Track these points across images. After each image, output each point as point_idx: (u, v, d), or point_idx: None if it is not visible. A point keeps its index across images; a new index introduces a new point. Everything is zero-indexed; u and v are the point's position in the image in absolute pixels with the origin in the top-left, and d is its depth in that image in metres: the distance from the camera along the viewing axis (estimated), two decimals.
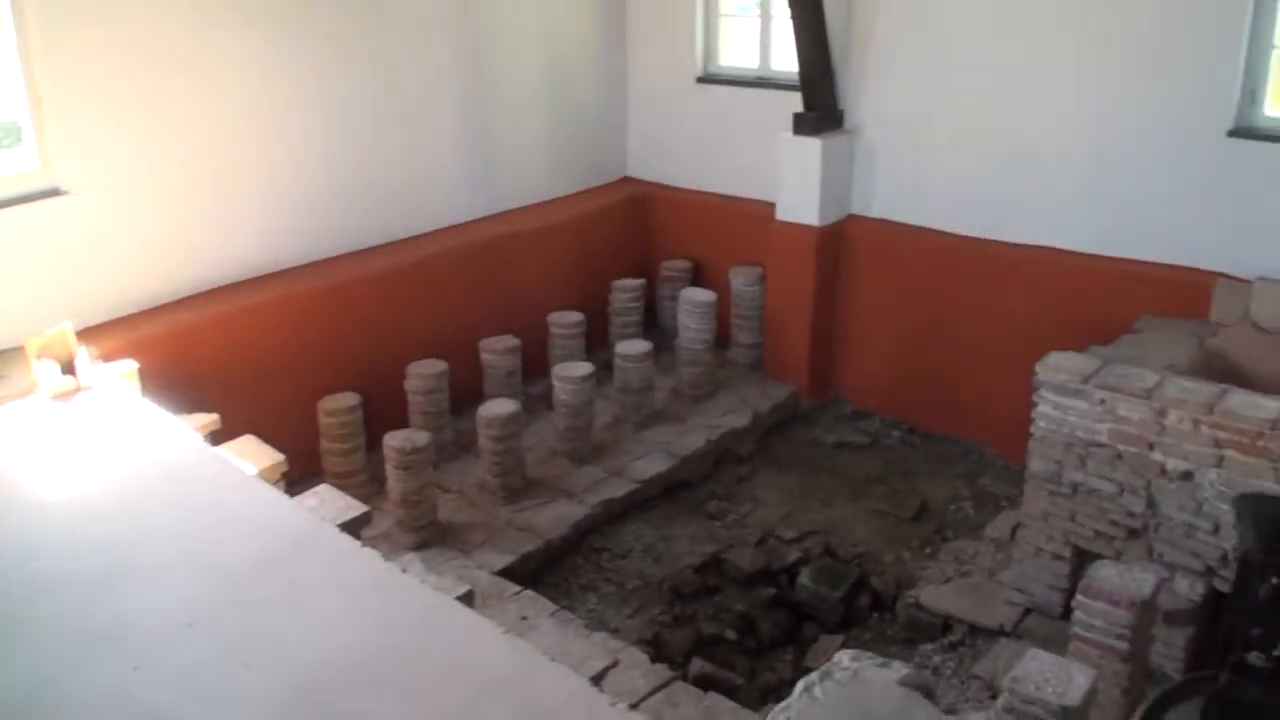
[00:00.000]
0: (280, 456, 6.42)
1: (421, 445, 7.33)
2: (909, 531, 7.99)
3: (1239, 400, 5.75)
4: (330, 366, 8.02)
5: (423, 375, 8.23)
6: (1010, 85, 8.47)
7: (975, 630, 6.72)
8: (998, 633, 6.60)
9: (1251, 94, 7.68)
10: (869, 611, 7.33)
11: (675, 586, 7.41)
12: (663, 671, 6.13)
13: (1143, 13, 7.81)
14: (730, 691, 6.31)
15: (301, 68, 8.06)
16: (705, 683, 6.34)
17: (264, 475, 6.05)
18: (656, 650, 6.77)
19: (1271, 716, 2.64)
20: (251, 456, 6.28)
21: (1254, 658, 2.66)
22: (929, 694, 3.70)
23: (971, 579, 7.07)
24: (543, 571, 7.42)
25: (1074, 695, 4.36)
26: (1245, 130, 7.67)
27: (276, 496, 5.48)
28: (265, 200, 7.99)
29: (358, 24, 8.38)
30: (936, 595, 6.95)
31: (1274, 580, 2.57)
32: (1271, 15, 7.51)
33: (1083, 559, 6.32)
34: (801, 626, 7.29)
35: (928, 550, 7.74)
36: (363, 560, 4.75)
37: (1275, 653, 2.63)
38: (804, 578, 7.48)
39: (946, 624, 6.85)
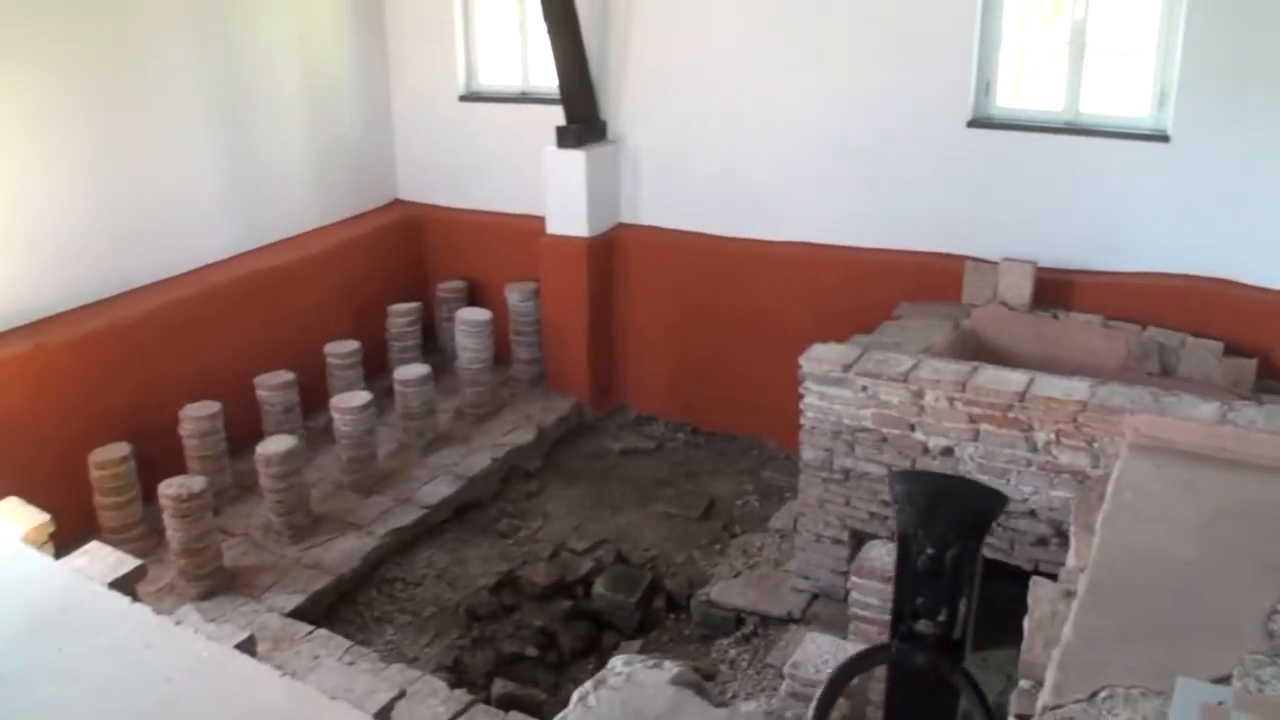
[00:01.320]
0: (46, 517, 6.10)
1: (198, 491, 7.11)
2: (698, 531, 8.15)
3: (988, 376, 6.07)
4: (97, 418, 7.67)
5: (196, 418, 7.96)
6: (761, 89, 8.75)
7: (766, 620, 6.90)
8: (787, 620, 6.79)
9: (986, 86, 8.14)
10: (665, 613, 7.46)
11: (471, 609, 7.38)
12: (462, 696, 6.09)
13: (883, 14, 8.19)
14: (534, 708, 6.32)
15: (39, 101, 7.64)
16: (508, 703, 6.33)
17: (29, 538, 5.76)
18: (457, 675, 6.73)
19: (939, 679, 2.83)
20: (14, 519, 5.98)
21: (921, 625, 2.85)
22: (700, 690, 3.79)
23: (759, 571, 7.25)
24: (336, 608, 7.28)
25: None
26: (982, 120, 8.15)
27: (40, 559, 5.22)
28: (8, 248, 7.59)
29: (99, 53, 8.00)
30: (727, 591, 7.10)
31: (929, 552, 2.75)
32: (999, 10, 7.99)
33: (861, 541, 6.54)
34: (601, 636, 7.37)
35: (717, 547, 7.91)
36: (134, 617, 4.57)
37: (939, 619, 2.82)
38: (599, 587, 7.57)
39: (739, 618, 7.01)
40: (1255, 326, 7.34)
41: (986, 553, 6.08)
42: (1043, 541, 6.04)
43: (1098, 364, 7.09)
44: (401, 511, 8.06)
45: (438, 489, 8.33)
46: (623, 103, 9.44)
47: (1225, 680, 3.83)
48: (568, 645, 7.23)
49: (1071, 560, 5.13)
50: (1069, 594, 4.50)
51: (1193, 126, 7.48)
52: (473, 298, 10.27)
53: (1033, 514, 6.04)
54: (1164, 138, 7.60)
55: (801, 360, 6.46)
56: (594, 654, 7.20)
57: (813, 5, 8.44)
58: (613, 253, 9.56)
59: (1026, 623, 4.77)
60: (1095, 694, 3.70)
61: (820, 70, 8.50)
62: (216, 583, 7.21)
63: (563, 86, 9.14)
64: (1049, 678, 3.90)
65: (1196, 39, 7.37)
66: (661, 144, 9.34)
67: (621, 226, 9.62)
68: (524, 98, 10.08)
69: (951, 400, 6.03)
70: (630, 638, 7.28)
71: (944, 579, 2.79)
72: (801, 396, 6.53)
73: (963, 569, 2.79)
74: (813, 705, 3.11)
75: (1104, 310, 7.57)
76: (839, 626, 5.90)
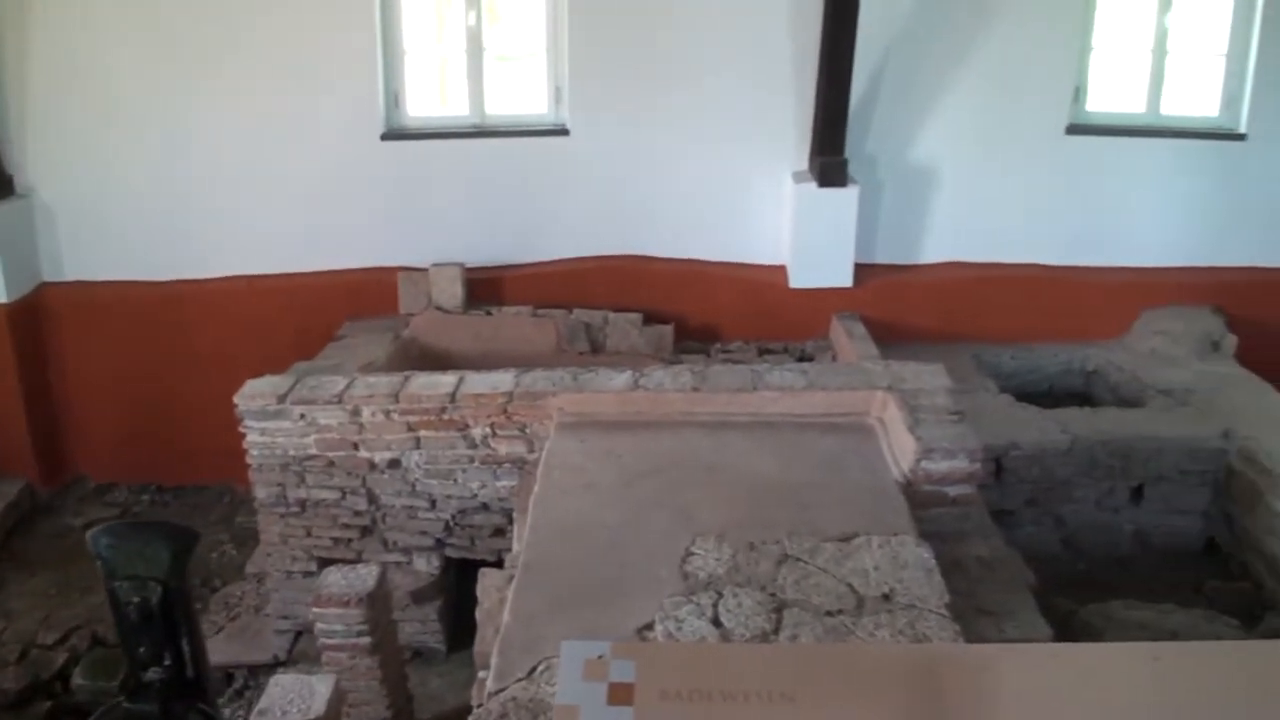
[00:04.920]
0: None
1: None
2: None
3: (419, 383, 6.19)
4: None
5: None
6: (177, 124, 8.47)
7: (255, 670, 6.71)
8: (275, 665, 6.62)
9: (395, 98, 8.39)
10: None
11: None
12: None
13: (288, 37, 8.18)
14: None
15: None
16: None
17: None
18: None
19: None
20: None
21: (151, 673, 2.90)
22: None
23: (241, 621, 7.05)
24: None
25: (318, 707, 4.47)
26: (396, 132, 8.40)
27: None
28: None
29: None
30: (209, 650, 6.82)
31: (136, 600, 2.81)
32: (397, 23, 8.25)
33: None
34: None
35: (199, 606, 7.58)
36: None
37: (166, 663, 2.89)
38: (78, 677, 7.04)
39: (229, 674, 6.78)
40: (667, 295, 8.02)
41: (451, 553, 6.31)
42: (500, 532, 6.24)
43: (534, 352, 7.45)
44: None
45: None
46: (28, 152, 8.71)
47: (651, 626, 4.15)
48: None
49: (515, 545, 5.34)
50: (512, 579, 4.69)
51: (584, 120, 8.09)
52: None
53: (485, 507, 6.22)
54: (564, 131, 8.10)
55: (236, 398, 6.27)
56: None
57: (216, 34, 8.24)
58: (39, 316, 8.85)
59: (478, 614, 4.94)
60: (534, 669, 3.89)
61: (234, 99, 8.34)
62: None
63: None
64: (492, 663, 4.06)
65: (581, 42, 7.96)
66: (79, 192, 8.75)
67: (46, 286, 8.91)
68: None
69: (388, 412, 6.08)
70: None
71: (158, 624, 2.80)
72: (244, 435, 6.37)
73: (175, 610, 2.81)
74: None
75: (534, 300, 7.96)
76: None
